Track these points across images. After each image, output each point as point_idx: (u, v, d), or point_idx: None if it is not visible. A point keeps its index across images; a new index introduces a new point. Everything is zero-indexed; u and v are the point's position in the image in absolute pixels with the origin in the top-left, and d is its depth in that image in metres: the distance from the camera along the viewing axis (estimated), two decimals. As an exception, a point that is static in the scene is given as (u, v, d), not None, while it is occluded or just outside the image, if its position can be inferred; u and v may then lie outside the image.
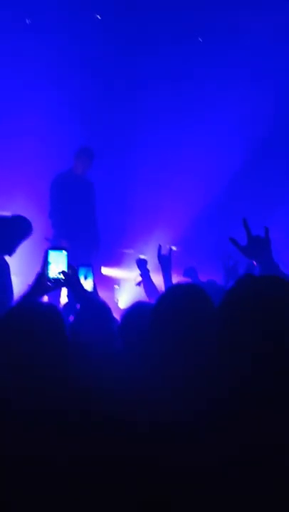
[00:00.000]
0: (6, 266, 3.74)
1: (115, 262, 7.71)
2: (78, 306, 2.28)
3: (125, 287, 7.15)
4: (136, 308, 2.22)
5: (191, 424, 1.38)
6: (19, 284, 6.00)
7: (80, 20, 7.39)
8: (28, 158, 7.14)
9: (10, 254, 3.76)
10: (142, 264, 4.13)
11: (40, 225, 6.06)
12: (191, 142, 7.74)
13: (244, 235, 2.13)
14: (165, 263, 3.80)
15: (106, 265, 7.54)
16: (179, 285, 1.92)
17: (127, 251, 7.80)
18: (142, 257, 7.46)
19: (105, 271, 7.58)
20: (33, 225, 3.96)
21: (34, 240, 4.36)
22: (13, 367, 1.68)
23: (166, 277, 3.68)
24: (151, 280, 3.86)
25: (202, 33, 7.77)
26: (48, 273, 2.19)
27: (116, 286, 7.51)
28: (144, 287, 3.95)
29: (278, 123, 7.82)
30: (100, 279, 6.90)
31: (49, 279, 2.18)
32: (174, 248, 7.88)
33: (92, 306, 2.16)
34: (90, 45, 7.51)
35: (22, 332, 1.70)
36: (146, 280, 3.89)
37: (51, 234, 6.28)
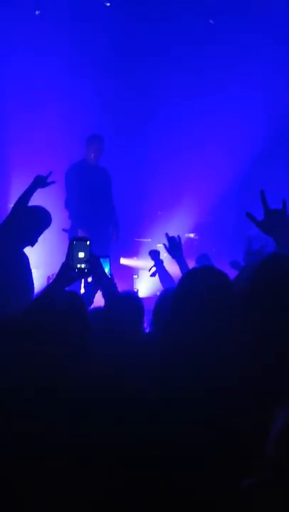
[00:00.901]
0: (26, 259, 3.76)
1: (134, 251, 7.69)
2: (101, 295, 2.27)
3: (144, 277, 7.13)
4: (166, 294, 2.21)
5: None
6: (39, 276, 6.04)
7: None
8: (41, 150, 7.14)
9: (32, 245, 3.78)
10: (154, 255, 4.10)
11: (57, 216, 6.08)
12: (208, 123, 7.65)
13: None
14: (175, 252, 3.76)
15: (125, 255, 7.53)
16: (195, 269, 1.89)
17: (145, 240, 7.78)
18: (159, 245, 7.47)
19: (124, 261, 7.56)
20: (51, 215, 3.97)
21: (52, 232, 4.34)
22: (39, 354, 1.68)
23: (182, 265, 3.64)
24: (165, 270, 3.83)
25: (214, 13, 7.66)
26: (72, 263, 2.19)
27: (135, 276, 7.50)
28: (160, 278, 3.92)
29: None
30: (119, 269, 6.90)
31: (74, 269, 2.19)
32: (191, 236, 7.90)
33: (117, 295, 2.15)
34: (101, 25, 7.45)
35: (47, 321, 1.71)
36: (160, 270, 3.86)
37: (69, 225, 6.26)
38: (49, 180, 4.11)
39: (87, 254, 2.20)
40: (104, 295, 2.26)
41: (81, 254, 2.19)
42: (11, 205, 4.00)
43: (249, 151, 7.63)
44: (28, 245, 3.77)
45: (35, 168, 6.99)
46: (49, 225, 3.88)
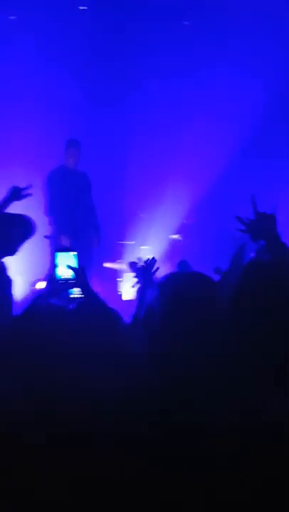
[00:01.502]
0: (3, 269, 3.58)
1: (117, 254, 7.66)
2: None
3: (128, 279, 7.10)
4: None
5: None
6: (23, 282, 5.98)
7: None
8: (20, 150, 7.07)
9: (12, 255, 3.61)
10: (134, 267, 4.01)
11: (38, 222, 6.01)
12: (189, 121, 7.58)
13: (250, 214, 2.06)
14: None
15: (108, 258, 7.50)
16: (177, 274, 1.87)
17: (128, 242, 7.76)
18: (142, 247, 7.44)
19: (107, 264, 7.53)
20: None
21: (34, 238, 4.28)
22: (25, 369, 1.65)
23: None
24: (147, 280, 3.73)
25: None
26: (56, 274, 2.17)
27: (119, 279, 7.47)
28: (141, 287, 3.82)
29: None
30: (103, 272, 6.87)
31: (58, 281, 2.16)
32: (175, 237, 7.88)
33: (98, 307, 2.12)
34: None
35: (35, 334, 1.68)
36: (141, 281, 3.75)
37: (50, 231, 6.21)
38: (25, 192, 3.92)
39: (72, 265, 2.18)
40: (87, 305, 2.22)
41: (65, 265, 2.18)
42: None
43: (234, 147, 7.59)
44: (8, 255, 3.61)
45: (13, 169, 6.98)
46: (33, 234, 3.72)
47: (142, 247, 7.53)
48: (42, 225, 6.08)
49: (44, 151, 7.00)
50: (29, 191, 3.90)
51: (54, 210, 6.18)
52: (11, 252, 3.50)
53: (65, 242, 6.01)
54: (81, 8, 7.64)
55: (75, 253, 2.22)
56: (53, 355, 1.67)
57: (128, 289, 6.74)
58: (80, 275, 2.18)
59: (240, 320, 1.47)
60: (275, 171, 7.42)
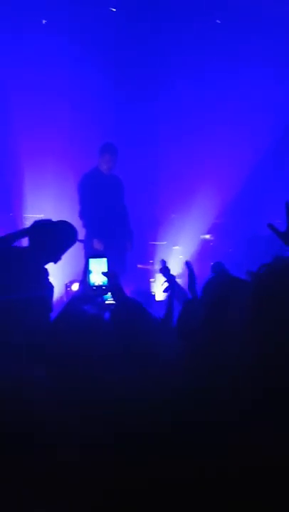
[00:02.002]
0: (47, 276, 3.55)
1: (150, 255, 7.68)
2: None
3: (161, 280, 7.10)
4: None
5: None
6: (56, 284, 6.04)
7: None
8: (55, 158, 7.14)
9: (55, 263, 3.55)
10: (165, 271, 4.02)
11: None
12: (220, 120, 7.56)
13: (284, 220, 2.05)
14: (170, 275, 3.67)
15: (141, 259, 7.52)
16: (221, 279, 1.87)
17: (160, 243, 7.77)
18: (175, 248, 7.45)
19: (140, 265, 7.55)
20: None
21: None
22: (62, 371, 1.67)
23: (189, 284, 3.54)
24: (178, 285, 3.75)
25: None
26: (89, 281, 2.18)
27: (151, 280, 7.49)
28: (173, 293, 3.84)
29: None
30: (136, 273, 6.90)
31: (91, 287, 2.17)
32: (207, 237, 7.86)
33: (131, 312, 2.12)
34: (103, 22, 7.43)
35: (69, 339, 1.71)
36: (172, 286, 3.77)
37: (83, 234, 6.25)
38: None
39: (104, 270, 2.18)
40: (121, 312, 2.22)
41: (98, 272, 2.18)
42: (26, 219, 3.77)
43: (267, 146, 7.53)
44: (50, 262, 3.50)
45: (49, 178, 7.06)
46: (75, 242, 3.63)
47: (173, 247, 7.55)
48: (76, 228, 6.14)
49: (78, 153, 7.05)
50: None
51: (87, 213, 6.19)
52: (56, 260, 3.49)
53: (97, 245, 6.03)
54: (112, 9, 7.68)
55: (107, 259, 2.22)
56: (87, 360, 1.68)
57: (161, 289, 6.76)
58: (113, 281, 2.18)
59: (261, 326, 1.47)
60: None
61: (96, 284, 2.19)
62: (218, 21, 7.82)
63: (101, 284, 2.19)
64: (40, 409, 1.61)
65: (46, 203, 6.94)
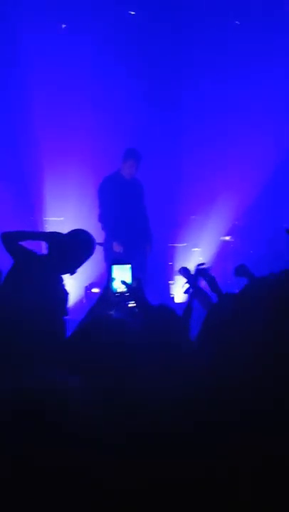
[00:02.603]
0: (61, 283, 3.51)
1: (169, 257, 7.68)
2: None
3: (180, 282, 7.10)
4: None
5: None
6: (76, 285, 6.08)
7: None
8: (76, 162, 7.17)
9: (71, 275, 3.47)
10: (185, 272, 4.03)
11: (91, 228, 6.10)
12: (240, 119, 7.53)
13: None
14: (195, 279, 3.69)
15: (160, 260, 7.51)
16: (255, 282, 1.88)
17: (180, 245, 7.76)
18: (194, 249, 7.44)
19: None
20: (84, 228, 3.81)
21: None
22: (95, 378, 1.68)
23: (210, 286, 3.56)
24: (198, 286, 3.76)
25: None
26: (112, 287, 2.19)
27: (171, 282, 7.49)
28: (193, 294, 3.85)
29: None
30: (155, 275, 6.89)
31: (114, 294, 2.18)
32: (227, 239, 7.84)
33: (156, 319, 2.13)
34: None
35: (96, 346, 1.71)
36: (192, 287, 3.78)
37: (103, 237, 6.27)
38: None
39: (128, 278, 2.18)
40: (143, 318, 2.22)
41: (121, 278, 2.18)
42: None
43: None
44: (67, 273, 3.42)
45: (69, 181, 7.09)
46: (92, 254, 3.52)
47: (193, 249, 7.54)
48: (95, 231, 6.16)
49: (99, 156, 7.08)
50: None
51: (107, 216, 6.21)
52: (72, 273, 3.45)
53: (117, 248, 6.04)
54: (132, 12, 7.71)
55: (130, 265, 2.23)
56: (112, 366, 1.69)
57: (180, 291, 6.76)
58: (136, 288, 2.19)
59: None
60: None
61: (119, 290, 2.20)
62: (237, 22, 7.80)
63: (124, 291, 2.20)
64: (76, 419, 1.61)
65: (67, 207, 6.97)
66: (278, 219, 7.33)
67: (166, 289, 7.35)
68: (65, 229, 3.72)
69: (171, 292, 7.22)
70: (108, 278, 2.16)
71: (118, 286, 2.18)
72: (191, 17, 7.57)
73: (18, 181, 7.13)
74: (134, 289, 2.16)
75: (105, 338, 1.72)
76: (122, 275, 2.20)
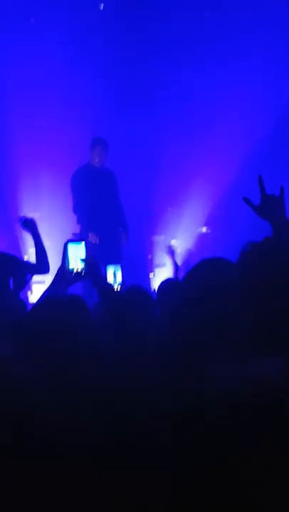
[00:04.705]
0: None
1: (148, 249, 7.69)
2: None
3: (160, 274, 7.12)
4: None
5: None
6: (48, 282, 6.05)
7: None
8: (50, 157, 7.14)
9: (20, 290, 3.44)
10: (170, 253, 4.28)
11: (67, 221, 6.10)
12: (215, 109, 7.55)
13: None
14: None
15: (138, 253, 7.52)
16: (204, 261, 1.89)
17: (158, 237, 7.77)
18: (173, 241, 7.46)
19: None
20: (59, 221, 3.79)
21: (62, 237, 4.35)
22: (41, 360, 1.67)
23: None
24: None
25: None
26: (68, 266, 2.15)
27: (151, 274, 7.50)
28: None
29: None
30: (134, 268, 6.90)
31: (70, 272, 2.14)
32: (204, 230, 7.87)
33: (111, 297, 2.12)
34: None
35: (49, 325, 1.69)
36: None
37: (78, 229, 6.28)
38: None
39: (82, 255, 2.15)
40: (99, 296, 2.21)
41: (76, 257, 2.15)
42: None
43: (263, 134, 7.51)
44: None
45: (40, 168, 7.05)
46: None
47: (171, 241, 7.55)
48: (70, 223, 6.16)
49: (73, 151, 7.05)
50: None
51: (81, 208, 6.22)
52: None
53: (92, 239, 6.05)
54: (101, 7, 7.68)
55: (84, 242, 2.19)
56: (70, 346, 1.68)
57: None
58: (92, 266, 2.16)
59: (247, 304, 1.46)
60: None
61: (75, 269, 2.16)
62: (207, 14, 7.81)
63: (80, 269, 2.17)
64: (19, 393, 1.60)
65: (42, 202, 6.95)
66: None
67: (147, 281, 7.36)
68: (42, 225, 3.73)
69: (152, 285, 7.24)
70: (63, 257, 2.12)
71: (74, 265, 2.14)
72: (163, 8, 7.57)
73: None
74: (90, 266, 2.13)
75: (55, 320, 1.69)
76: (77, 253, 2.16)
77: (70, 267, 2.13)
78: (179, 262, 5.23)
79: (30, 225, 3.61)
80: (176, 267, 4.16)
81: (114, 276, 2.85)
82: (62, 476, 1.51)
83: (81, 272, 2.14)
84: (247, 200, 2.07)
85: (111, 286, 2.19)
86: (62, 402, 1.59)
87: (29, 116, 7.21)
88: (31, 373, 1.64)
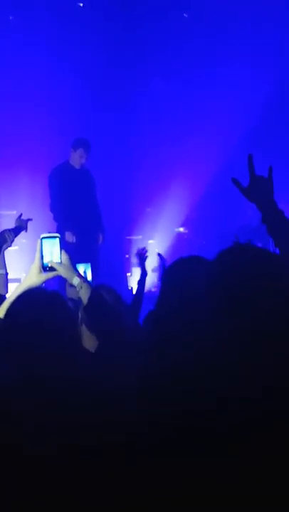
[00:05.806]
0: None
1: (125, 249, 7.70)
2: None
3: (137, 274, 7.11)
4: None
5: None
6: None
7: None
8: (27, 155, 7.11)
9: None
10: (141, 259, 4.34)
11: (43, 219, 6.08)
12: (195, 114, 7.60)
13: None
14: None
15: (116, 253, 7.52)
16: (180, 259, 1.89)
17: (135, 237, 7.79)
18: (150, 241, 7.48)
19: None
20: (36, 219, 3.84)
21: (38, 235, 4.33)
22: (19, 357, 1.66)
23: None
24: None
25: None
26: (42, 261, 2.13)
27: (128, 274, 7.51)
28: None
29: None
30: (112, 268, 6.90)
31: (44, 267, 2.13)
32: (181, 230, 7.89)
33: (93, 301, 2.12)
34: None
35: (26, 320, 1.69)
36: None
37: (55, 227, 6.24)
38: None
39: (57, 250, 2.13)
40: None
41: (51, 252, 2.13)
42: None
43: (240, 136, 7.55)
44: None
45: (21, 171, 7.03)
46: None
47: (149, 241, 7.57)
48: (47, 221, 6.14)
49: (48, 147, 7.04)
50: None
51: (58, 206, 6.19)
52: None
53: (69, 238, 6.02)
54: (80, 4, 7.67)
55: (59, 238, 2.18)
56: (48, 341, 1.68)
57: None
58: (65, 260, 2.15)
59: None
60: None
61: (49, 264, 2.15)
62: (185, 15, 7.84)
63: (54, 264, 2.15)
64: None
65: (19, 200, 6.93)
66: (228, 211, 7.41)
67: (124, 281, 7.37)
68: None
69: (129, 284, 7.25)
70: (37, 251, 2.11)
71: (48, 260, 2.13)
72: (141, 9, 7.58)
73: None
74: (64, 261, 2.12)
75: (31, 316, 1.69)
76: (51, 249, 2.15)
77: (45, 261, 2.12)
78: (152, 265, 5.30)
79: None
80: (144, 272, 4.21)
81: (84, 274, 2.88)
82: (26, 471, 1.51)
83: (54, 266, 2.12)
84: (236, 182, 2.03)
85: (85, 279, 2.19)
86: (31, 396, 1.59)
87: (6, 112, 7.18)
88: (5, 367, 1.64)
